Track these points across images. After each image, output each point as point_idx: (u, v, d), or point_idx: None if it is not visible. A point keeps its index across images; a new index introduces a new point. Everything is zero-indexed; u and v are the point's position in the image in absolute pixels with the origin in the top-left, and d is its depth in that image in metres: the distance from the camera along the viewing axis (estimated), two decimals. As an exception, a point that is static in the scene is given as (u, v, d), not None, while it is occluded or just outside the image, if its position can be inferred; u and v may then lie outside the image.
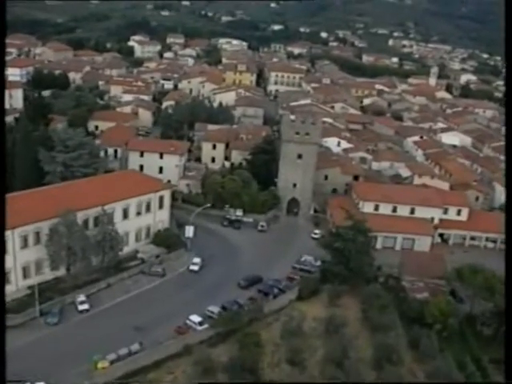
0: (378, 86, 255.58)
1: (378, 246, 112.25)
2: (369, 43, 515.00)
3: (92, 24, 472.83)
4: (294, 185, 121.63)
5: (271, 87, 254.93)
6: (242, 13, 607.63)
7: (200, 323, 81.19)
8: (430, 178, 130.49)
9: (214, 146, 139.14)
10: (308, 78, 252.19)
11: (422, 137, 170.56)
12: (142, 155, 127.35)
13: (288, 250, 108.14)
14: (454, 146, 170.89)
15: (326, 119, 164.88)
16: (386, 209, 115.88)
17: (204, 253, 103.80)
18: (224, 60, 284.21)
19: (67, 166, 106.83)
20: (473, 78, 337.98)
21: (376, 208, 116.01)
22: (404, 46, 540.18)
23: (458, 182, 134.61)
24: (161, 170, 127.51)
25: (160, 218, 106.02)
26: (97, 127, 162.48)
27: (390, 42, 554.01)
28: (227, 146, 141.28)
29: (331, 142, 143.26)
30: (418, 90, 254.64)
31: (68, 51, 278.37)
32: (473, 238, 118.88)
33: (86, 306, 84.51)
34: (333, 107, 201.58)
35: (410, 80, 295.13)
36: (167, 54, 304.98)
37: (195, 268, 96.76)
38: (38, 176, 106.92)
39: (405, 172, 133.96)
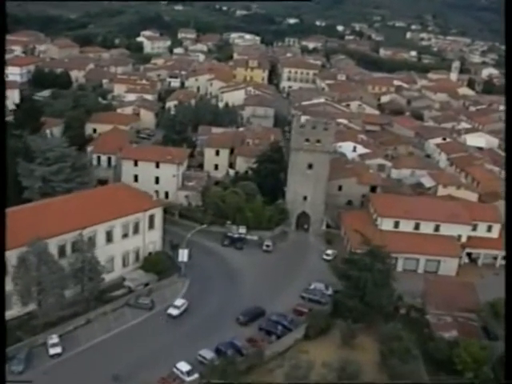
0: (396, 82, 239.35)
1: (399, 268, 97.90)
2: (386, 36, 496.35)
3: (105, 20, 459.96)
4: (304, 197, 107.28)
5: (284, 84, 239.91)
6: (257, 6, 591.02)
7: (188, 373, 67.66)
8: (456, 189, 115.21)
9: (218, 152, 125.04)
10: (323, 73, 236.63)
11: (444, 138, 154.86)
12: (136, 164, 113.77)
13: (296, 275, 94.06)
14: (480, 149, 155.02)
15: (340, 120, 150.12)
16: (407, 226, 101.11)
17: (200, 279, 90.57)
18: (235, 55, 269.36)
19: (47, 180, 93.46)
20: (494, 71, 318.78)
21: (396, 225, 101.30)
22: (422, 39, 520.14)
23: (486, 191, 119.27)
24: (157, 180, 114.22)
25: (151, 240, 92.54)
26: (95, 130, 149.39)
27: (408, 35, 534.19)
28: (232, 151, 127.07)
29: (346, 147, 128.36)
30: (439, 86, 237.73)
31: (74, 48, 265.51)
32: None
33: (58, 350, 71.40)
34: (348, 105, 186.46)
35: (430, 75, 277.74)
36: (177, 50, 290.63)
37: (174, 312, 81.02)
38: (16, 191, 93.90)
39: (428, 181, 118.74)
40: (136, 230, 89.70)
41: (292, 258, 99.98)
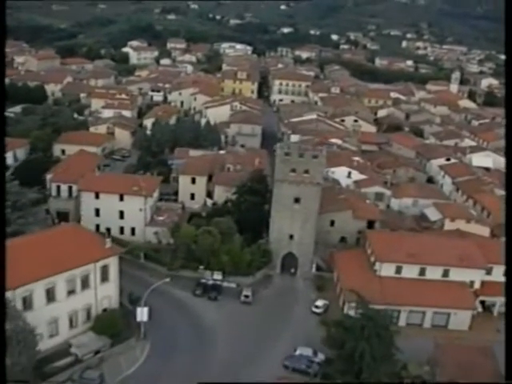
0: (393, 94, 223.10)
1: (402, 322, 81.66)
2: (381, 45, 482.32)
3: (96, 29, 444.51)
4: (291, 236, 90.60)
5: (275, 97, 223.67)
6: (251, 15, 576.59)
7: None
8: (466, 222, 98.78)
9: (194, 180, 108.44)
10: (315, 86, 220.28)
11: (448, 159, 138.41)
12: (97, 197, 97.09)
13: (279, 335, 77.48)
14: (487, 170, 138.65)
15: (334, 140, 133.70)
16: (411, 271, 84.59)
17: (164, 342, 73.90)
18: (224, 66, 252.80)
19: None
20: (494, 81, 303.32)
21: (398, 270, 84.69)
22: (418, 48, 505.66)
23: (498, 222, 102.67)
24: (122, 214, 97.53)
25: (105, 294, 75.59)
26: (63, 151, 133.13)
27: (404, 44, 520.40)
28: (210, 178, 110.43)
29: (340, 173, 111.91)
30: (439, 99, 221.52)
31: (54, 59, 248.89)
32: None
33: None
34: (343, 121, 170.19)
35: (429, 86, 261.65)
36: (164, 61, 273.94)
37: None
38: None
39: (433, 214, 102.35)
40: (86, 285, 72.88)
41: (275, 310, 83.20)
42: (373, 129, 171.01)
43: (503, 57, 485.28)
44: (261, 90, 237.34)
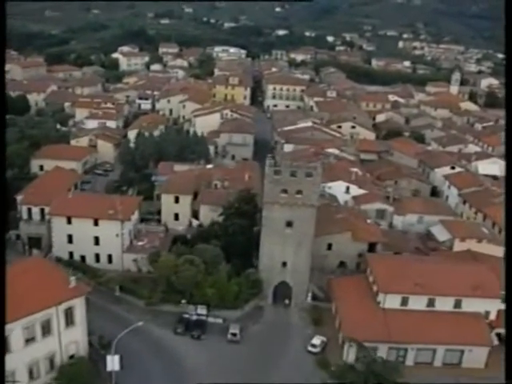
0: (391, 97, 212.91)
1: (409, 362, 71.84)
2: (377, 46, 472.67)
3: (88, 35, 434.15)
4: (284, 263, 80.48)
5: (269, 102, 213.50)
6: (246, 18, 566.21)
7: None
8: (477, 242, 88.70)
9: (177, 199, 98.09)
10: (311, 90, 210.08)
11: (453, 167, 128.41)
12: (69, 221, 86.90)
13: (271, 379, 67.21)
14: (495, 178, 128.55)
15: (330, 150, 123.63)
16: (418, 303, 74.53)
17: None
18: (216, 71, 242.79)
19: None
20: (494, 81, 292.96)
21: (404, 302, 74.53)
22: (415, 48, 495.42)
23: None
24: (97, 240, 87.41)
25: (71, 339, 65.54)
26: (42, 167, 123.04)
27: (400, 44, 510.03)
28: (196, 196, 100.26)
29: (337, 188, 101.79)
30: (439, 101, 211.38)
31: (40, 67, 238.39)
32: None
33: None
34: (340, 127, 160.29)
35: (428, 88, 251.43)
36: (154, 67, 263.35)
37: None
38: None
39: (441, 233, 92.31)
40: (47, 331, 62.80)
41: (266, 350, 72.97)
42: (371, 135, 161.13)
43: (501, 55, 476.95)
44: (254, 96, 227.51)
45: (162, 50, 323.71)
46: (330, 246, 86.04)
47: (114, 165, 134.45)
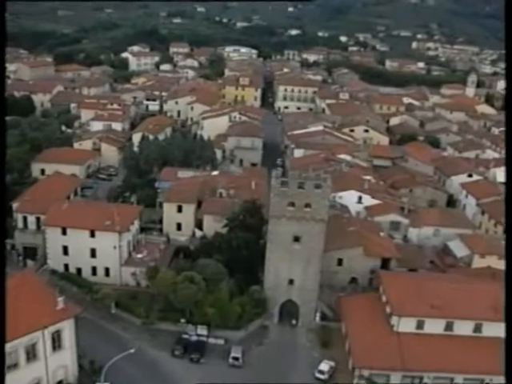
0: (405, 99, 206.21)
1: (426, 391, 65.21)
2: (391, 47, 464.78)
3: (100, 34, 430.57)
4: (290, 281, 74.71)
5: (280, 104, 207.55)
6: (259, 18, 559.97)
7: None
8: (498, 259, 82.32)
9: (180, 208, 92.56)
10: (323, 92, 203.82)
11: (471, 175, 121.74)
12: (64, 232, 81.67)
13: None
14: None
15: (342, 156, 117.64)
16: (435, 326, 68.66)
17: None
18: (227, 72, 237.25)
19: None
20: None
21: (419, 325, 68.54)
22: (429, 49, 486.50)
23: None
24: (93, 253, 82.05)
25: (58, 364, 60.47)
26: (43, 171, 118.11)
27: (414, 45, 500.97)
28: (200, 204, 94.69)
29: (349, 198, 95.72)
30: (455, 104, 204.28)
31: (48, 67, 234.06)
32: None
33: None
34: (352, 131, 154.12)
35: (443, 90, 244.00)
36: (164, 67, 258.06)
37: None
38: None
39: (459, 248, 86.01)
40: (32, 356, 57.65)
41: (271, 375, 67.03)
42: (385, 139, 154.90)
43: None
44: (265, 97, 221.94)
45: (172, 49, 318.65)
46: (340, 262, 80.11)
47: (118, 169, 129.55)
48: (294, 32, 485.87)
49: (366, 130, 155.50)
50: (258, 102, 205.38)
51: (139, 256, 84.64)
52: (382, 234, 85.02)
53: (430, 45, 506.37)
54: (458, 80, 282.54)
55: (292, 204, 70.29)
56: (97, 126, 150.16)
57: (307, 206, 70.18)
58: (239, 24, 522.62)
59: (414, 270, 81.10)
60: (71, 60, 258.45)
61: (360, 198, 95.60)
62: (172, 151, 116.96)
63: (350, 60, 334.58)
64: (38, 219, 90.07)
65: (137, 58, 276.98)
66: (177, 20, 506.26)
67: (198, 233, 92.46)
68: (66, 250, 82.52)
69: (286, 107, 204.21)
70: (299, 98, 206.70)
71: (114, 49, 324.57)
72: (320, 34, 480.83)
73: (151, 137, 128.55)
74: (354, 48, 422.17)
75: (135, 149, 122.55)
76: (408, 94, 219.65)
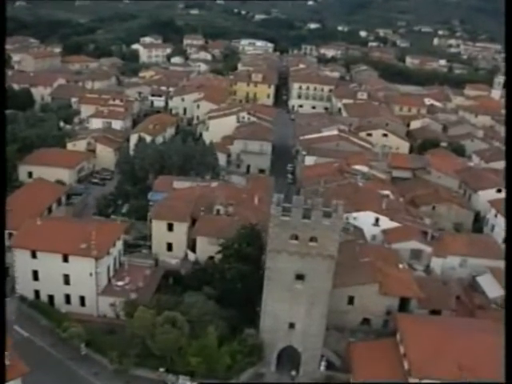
0: (427, 100, 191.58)
1: None
2: (412, 43, 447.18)
3: (116, 24, 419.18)
4: (291, 325, 62.05)
5: (294, 102, 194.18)
6: (278, 11, 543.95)
7: None
8: (539, 300, 68.66)
9: (171, 226, 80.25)
10: (340, 90, 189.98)
11: (500, 190, 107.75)
12: (34, 255, 69.86)
13: None
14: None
15: (358, 166, 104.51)
16: (466, 391, 55.32)
17: None
18: (240, 66, 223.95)
19: None
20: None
21: (447, 389, 55.60)
22: (450, 46, 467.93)
23: None
24: (67, 279, 70.20)
25: (0, 433, 48.29)
26: (30, 174, 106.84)
27: (435, 42, 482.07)
28: (194, 222, 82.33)
29: (364, 219, 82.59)
30: (480, 106, 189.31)
31: (55, 58, 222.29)
32: None
33: None
34: (370, 135, 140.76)
35: (467, 91, 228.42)
36: (175, 59, 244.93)
37: None
38: None
39: (490, 286, 72.72)
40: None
41: None
42: (405, 145, 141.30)
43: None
44: (279, 94, 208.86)
45: (186, 41, 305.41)
46: (351, 300, 67.32)
47: (114, 173, 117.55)
48: (313, 26, 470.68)
49: (385, 135, 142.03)
50: (271, 99, 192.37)
51: (120, 284, 72.56)
52: (401, 265, 71.93)
53: (452, 42, 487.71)
54: (482, 79, 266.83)
55: (295, 237, 57.58)
56: (96, 123, 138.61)
57: (313, 239, 57.44)
58: (258, 17, 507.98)
59: (437, 311, 68.07)
60: (80, 51, 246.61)
61: (377, 219, 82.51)
62: (170, 156, 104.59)
63: (370, 56, 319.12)
64: (10, 235, 78.19)
65: (148, 50, 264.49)
66: (194, 11, 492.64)
67: (191, 255, 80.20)
68: (36, 275, 70.86)
69: (301, 106, 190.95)
70: (314, 97, 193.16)
71: (127, 40, 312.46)
72: (340, 28, 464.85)
73: (149, 138, 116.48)
74: (374, 43, 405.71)
75: (131, 152, 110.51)
76: (429, 95, 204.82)
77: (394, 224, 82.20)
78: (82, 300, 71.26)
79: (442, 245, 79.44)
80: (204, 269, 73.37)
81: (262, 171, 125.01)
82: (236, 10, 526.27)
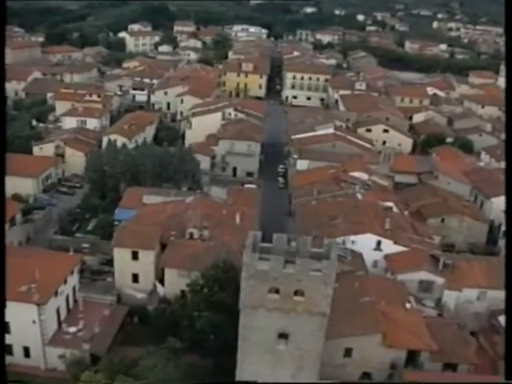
0: (430, 90, 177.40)
1: None
2: (411, 26, 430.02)
3: (108, 11, 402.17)
4: (274, 390, 49.04)
5: (287, 92, 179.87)
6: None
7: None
8: None
9: (136, 255, 66.97)
10: (336, 80, 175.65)
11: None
12: (-37, 299, 56.59)
13: None
14: None
15: (356, 173, 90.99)
16: None
17: None
18: (230, 55, 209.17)
19: None
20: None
21: None
22: (450, 29, 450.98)
23: None
24: (7, 327, 57.10)
25: None
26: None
27: (434, 25, 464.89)
28: (164, 247, 69.09)
29: (364, 243, 69.18)
30: (486, 96, 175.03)
31: (34, 48, 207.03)
32: None
33: None
34: (369, 131, 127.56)
35: (471, 79, 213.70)
36: (163, 48, 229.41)
37: None
38: None
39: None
40: None
41: None
42: (408, 142, 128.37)
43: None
44: (273, 83, 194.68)
45: (177, 28, 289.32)
46: (348, 352, 54.42)
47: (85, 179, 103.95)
48: (309, 10, 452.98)
49: (386, 130, 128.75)
50: (263, 90, 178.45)
51: (72, 330, 59.65)
52: (408, 305, 58.94)
53: (452, 25, 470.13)
54: (485, 65, 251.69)
55: (275, 290, 44.37)
56: (69, 122, 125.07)
57: (298, 293, 44.25)
58: (253, 1, 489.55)
59: (452, 366, 55.06)
60: (63, 40, 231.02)
61: (379, 243, 69.21)
62: (143, 163, 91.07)
63: (368, 41, 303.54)
64: None
65: (135, 38, 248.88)
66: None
67: (161, 288, 67.10)
68: (-33, 323, 57.66)
69: (295, 97, 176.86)
70: (309, 87, 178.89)
71: (116, 27, 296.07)
72: (337, 12, 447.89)
73: (123, 141, 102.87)
74: (372, 28, 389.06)
75: (102, 157, 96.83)
76: (432, 83, 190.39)
77: (399, 247, 68.98)
78: (27, 351, 58.36)
79: (456, 275, 66.13)
80: (172, 310, 60.16)
81: (249, 174, 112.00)
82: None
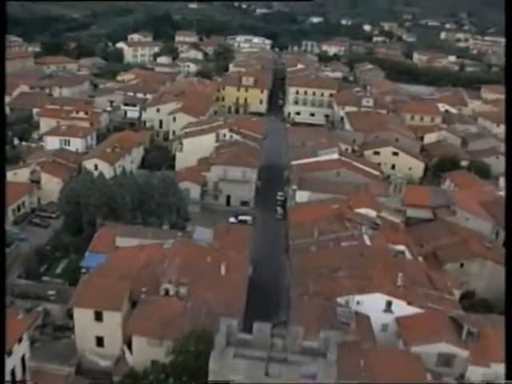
0: (441, 106, 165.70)
1: None
2: (418, 37, 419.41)
3: (111, 19, 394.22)
4: None
5: (290, 108, 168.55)
6: (280, 4, 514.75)
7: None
8: None
9: (100, 316, 55.54)
10: (342, 96, 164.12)
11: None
12: None
13: None
14: None
15: (363, 210, 79.35)
16: None
17: None
18: (231, 67, 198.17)
19: None
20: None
21: None
22: (459, 40, 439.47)
23: None
24: None
25: None
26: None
27: (442, 36, 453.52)
28: (135, 304, 57.61)
29: (372, 304, 57.38)
30: (501, 113, 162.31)
31: (27, 59, 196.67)
32: None
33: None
34: (377, 153, 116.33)
35: (484, 93, 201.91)
36: (162, 59, 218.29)
37: None
38: None
39: None
40: None
41: None
42: (419, 166, 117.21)
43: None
44: (275, 98, 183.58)
45: (178, 38, 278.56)
46: None
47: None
48: (316, 20, 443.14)
49: (395, 153, 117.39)
50: (265, 105, 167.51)
51: (12, 416, 48.14)
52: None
53: (460, 36, 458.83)
54: (497, 78, 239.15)
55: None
56: (52, 142, 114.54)
57: None
58: (259, 10, 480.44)
59: None
60: (60, 50, 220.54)
61: (389, 304, 57.44)
62: (122, 195, 79.81)
63: (375, 52, 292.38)
64: None
65: (133, 49, 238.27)
66: (193, 5, 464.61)
67: (129, 355, 55.62)
68: None
69: (298, 113, 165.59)
70: (313, 103, 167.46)
71: (117, 37, 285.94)
72: (343, 22, 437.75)
73: (104, 167, 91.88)
74: (379, 38, 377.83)
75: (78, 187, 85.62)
76: (443, 99, 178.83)
77: (413, 309, 57.21)
78: None
79: (482, 345, 54.29)
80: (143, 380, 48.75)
81: (244, 203, 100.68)
82: (237, 4, 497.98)
